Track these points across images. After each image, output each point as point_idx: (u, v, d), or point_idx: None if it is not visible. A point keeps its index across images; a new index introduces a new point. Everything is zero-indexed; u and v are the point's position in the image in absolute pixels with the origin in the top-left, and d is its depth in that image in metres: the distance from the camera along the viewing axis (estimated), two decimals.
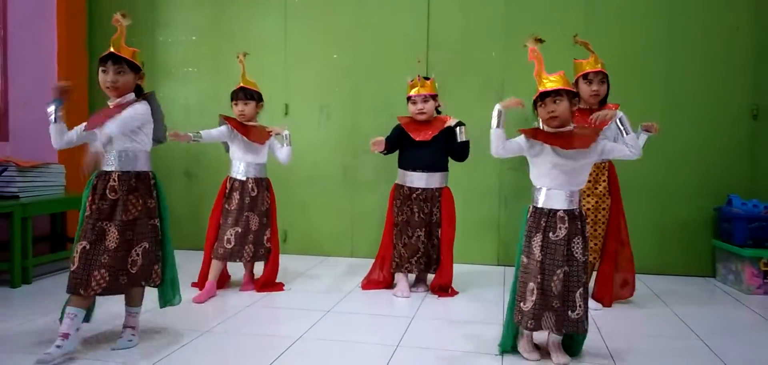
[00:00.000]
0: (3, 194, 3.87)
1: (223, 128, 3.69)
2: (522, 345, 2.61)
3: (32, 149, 4.40)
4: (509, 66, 4.54)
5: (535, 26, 4.43)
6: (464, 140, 3.62)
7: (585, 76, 3.32)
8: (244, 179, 3.68)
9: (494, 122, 2.51)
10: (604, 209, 3.35)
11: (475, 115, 4.48)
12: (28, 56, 4.51)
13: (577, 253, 2.46)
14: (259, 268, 3.85)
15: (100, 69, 2.61)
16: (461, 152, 3.67)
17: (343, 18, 4.82)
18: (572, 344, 2.61)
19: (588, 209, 3.32)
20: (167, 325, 2.97)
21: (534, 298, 2.45)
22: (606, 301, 3.42)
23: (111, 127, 2.52)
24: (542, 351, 2.63)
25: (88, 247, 2.52)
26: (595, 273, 3.52)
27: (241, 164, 3.69)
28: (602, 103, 3.34)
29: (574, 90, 2.53)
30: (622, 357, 2.64)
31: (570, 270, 2.45)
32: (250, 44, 4.68)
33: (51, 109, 2.61)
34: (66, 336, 2.48)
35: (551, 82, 2.48)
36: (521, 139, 2.53)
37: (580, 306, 2.45)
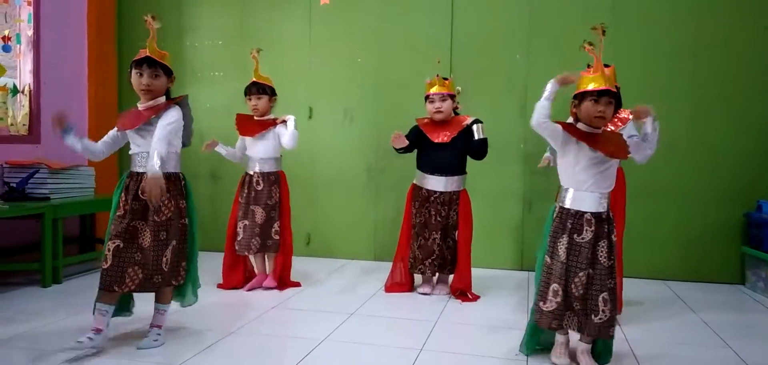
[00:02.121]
0: (34, 195, 3.96)
1: (239, 140, 3.87)
2: (554, 351, 2.58)
3: (63, 151, 4.47)
4: (533, 68, 4.51)
5: (560, 29, 4.44)
6: (482, 137, 3.60)
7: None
8: (251, 173, 3.77)
9: (545, 93, 2.44)
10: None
11: (499, 117, 4.48)
12: (60, 59, 4.60)
13: (601, 257, 2.43)
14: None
15: (135, 71, 2.67)
16: (479, 150, 3.65)
17: (368, 21, 4.84)
18: (601, 351, 2.57)
19: None
20: (192, 325, 3.01)
21: (558, 300, 2.43)
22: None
23: (160, 146, 2.57)
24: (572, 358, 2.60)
25: (121, 245, 2.58)
26: None
27: (252, 160, 3.80)
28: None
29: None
30: None
31: (594, 273, 2.42)
32: (275, 48, 4.74)
33: (68, 141, 2.66)
34: (99, 330, 2.55)
35: (608, 80, 2.41)
36: (559, 127, 2.46)
37: (603, 311, 2.41)
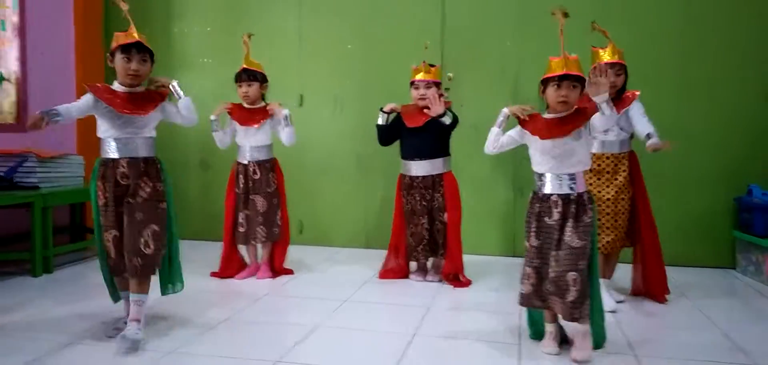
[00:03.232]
0: (23, 184, 3.92)
1: (229, 126, 3.79)
2: (544, 341, 2.59)
3: (52, 140, 4.44)
4: (524, 55, 4.51)
5: (550, 15, 4.41)
6: (449, 122, 3.61)
7: None
8: (246, 162, 3.73)
9: (498, 120, 2.64)
10: (623, 199, 3.29)
11: (490, 104, 4.45)
12: (46, 47, 4.55)
13: (567, 237, 2.43)
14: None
15: (122, 56, 2.59)
16: (451, 128, 3.67)
17: (358, 8, 4.81)
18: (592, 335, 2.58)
19: (607, 199, 3.27)
20: (185, 313, 3.00)
21: (532, 281, 2.50)
22: (659, 296, 3.36)
23: (183, 100, 2.73)
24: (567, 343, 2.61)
25: (118, 235, 2.59)
26: (631, 267, 3.48)
27: (244, 148, 3.76)
28: (620, 93, 3.30)
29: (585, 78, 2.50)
30: (643, 350, 2.61)
31: (560, 254, 2.43)
32: (265, 35, 4.69)
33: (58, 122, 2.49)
34: (138, 319, 2.58)
35: (572, 64, 2.45)
36: (514, 131, 2.60)
37: (571, 290, 2.41)
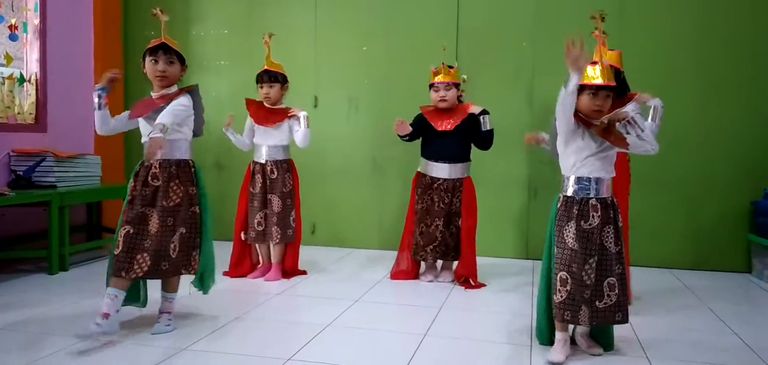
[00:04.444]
0: (41, 183, 3.98)
1: (247, 122, 3.82)
2: (554, 348, 2.52)
3: (70, 140, 4.52)
4: (540, 56, 4.49)
5: (567, 17, 4.41)
6: (489, 128, 3.61)
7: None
8: (263, 162, 3.75)
9: (569, 86, 2.32)
10: None
11: (506, 106, 4.47)
12: (66, 48, 4.62)
13: (608, 242, 2.43)
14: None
15: (149, 58, 2.69)
16: (486, 140, 3.65)
17: (373, 10, 4.83)
18: (602, 336, 2.57)
19: None
20: (199, 311, 3.03)
21: (568, 288, 2.41)
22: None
23: (165, 117, 2.59)
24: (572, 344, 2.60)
25: (131, 231, 2.60)
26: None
27: (261, 148, 3.77)
28: (621, 91, 3.25)
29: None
30: (656, 352, 2.59)
31: (601, 259, 2.42)
32: (281, 37, 4.70)
33: (96, 96, 2.65)
34: (106, 315, 2.52)
35: (608, 73, 2.41)
36: (572, 118, 2.43)
37: (609, 295, 2.41)
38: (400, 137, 3.73)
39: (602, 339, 2.57)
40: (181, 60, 2.76)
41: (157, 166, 2.65)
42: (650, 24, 4.31)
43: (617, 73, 3.19)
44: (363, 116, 4.88)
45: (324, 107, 4.93)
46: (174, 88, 2.75)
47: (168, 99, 2.68)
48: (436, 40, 4.53)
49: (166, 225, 2.64)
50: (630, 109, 3.10)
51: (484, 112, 3.63)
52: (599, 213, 2.42)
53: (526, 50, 4.54)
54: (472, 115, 3.63)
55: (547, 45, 4.46)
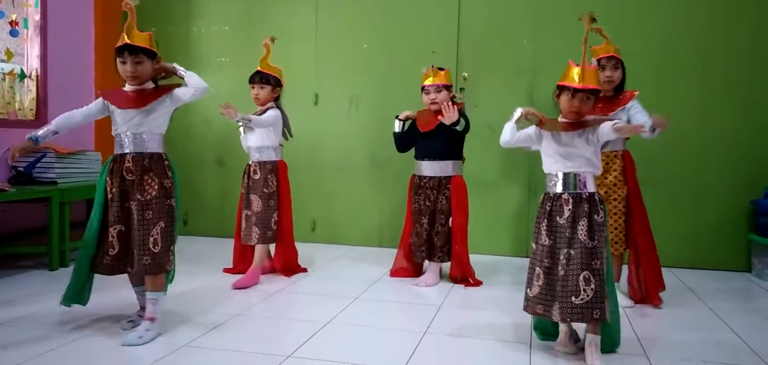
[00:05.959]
0: (42, 179, 3.99)
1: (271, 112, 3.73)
2: (559, 340, 2.55)
3: (70, 136, 4.49)
4: (541, 54, 4.49)
5: (567, 14, 4.40)
6: (462, 129, 3.61)
7: (597, 61, 3.23)
8: (250, 163, 3.76)
9: (513, 116, 2.59)
10: (615, 199, 3.25)
11: (507, 104, 4.39)
12: (67, 45, 4.62)
13: (581, 235, 2.41)
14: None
15: (118, 60, 2.62)
16: (463, 133, 3.68)
17: (374, 8, 4.83)
18: (605, 339, 2.53)
19: None
20: (197, 308, 3.03)
21: (540, 283, 2.45)
22: (654, 300, 3.27)
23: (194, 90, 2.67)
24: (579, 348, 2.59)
25: (123, 230, 2.59)
26: (625, 267, 3.45)
27: (249, 149, 3.77)
28: (618, 90, 3.26)
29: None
30: (656, 352, 2.59)
31: (573, 253, 2.40)
32: (282, 34, 4.70)
33: (42, 142, 2.66)
34: (152, 319, 2.60)
35: (590, 76, 2.43)
36: (532, 129, 2.59)
37: (585, 290, 2.36)
38: (397, 146, 3.82)
39: (606, 345, 2.53)
40: (150, 55, 2.64)
41: (130, 160, 2.59)
42: (650, 24, 4.31)
43: (622, 65, 3.23)
44: (363, 114, 4.88)
45: (324, 104, 4.93)
46: (150, 85, 2.68)
47: (156, 96, 2.63)
48: (436, 39, 4.54)
49: (145, 219, 2.58)
50: (636, 110, 3.16)
51: (455, 124, 3.56)
52: (571, 207, 2.44)
53: (526, 48, 4.54)
54: (450, 124, 3.58)
55: (547, 43, 4.46)
